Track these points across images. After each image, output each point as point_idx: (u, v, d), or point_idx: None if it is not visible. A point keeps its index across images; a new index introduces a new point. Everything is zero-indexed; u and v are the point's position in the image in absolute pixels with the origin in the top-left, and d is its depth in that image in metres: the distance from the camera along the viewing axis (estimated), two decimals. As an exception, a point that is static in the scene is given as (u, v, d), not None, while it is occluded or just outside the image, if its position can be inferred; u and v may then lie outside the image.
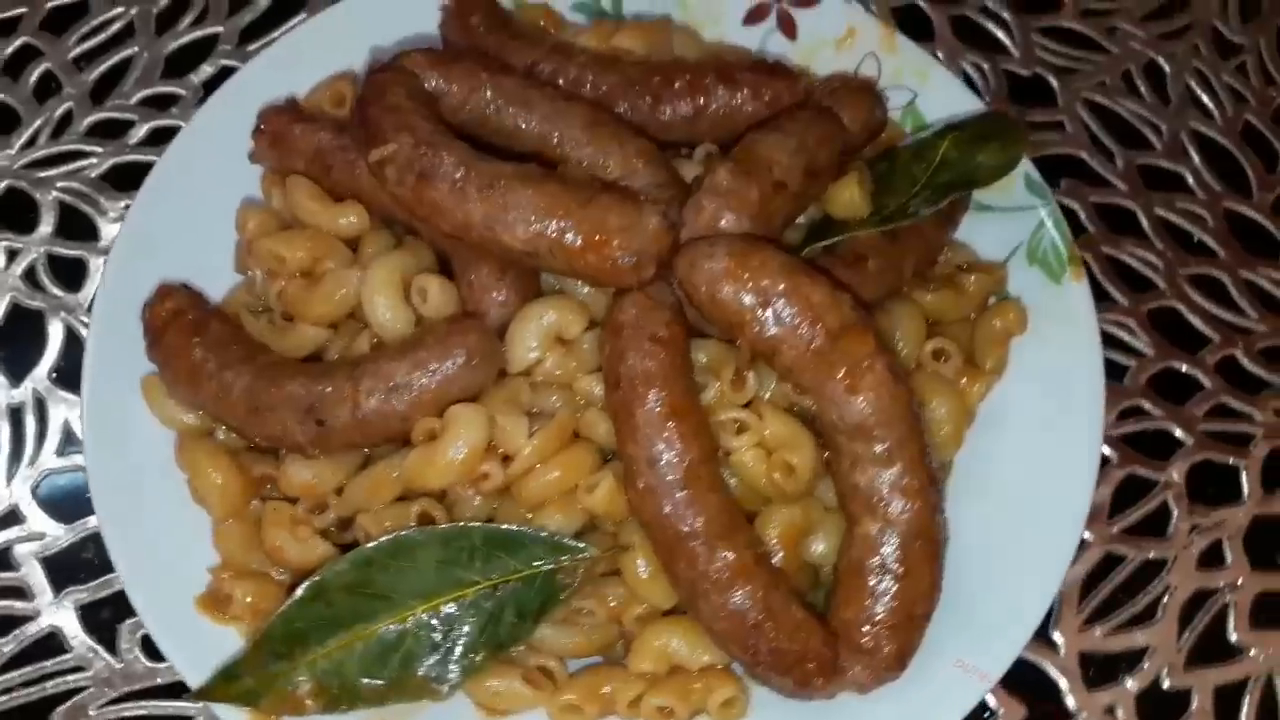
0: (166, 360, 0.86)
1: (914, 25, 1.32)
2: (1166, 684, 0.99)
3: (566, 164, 0.90)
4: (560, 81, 0.97)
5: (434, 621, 0.80)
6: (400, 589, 0.79)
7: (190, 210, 0.97)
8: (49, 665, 0.94)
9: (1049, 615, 0.98)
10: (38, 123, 1.17)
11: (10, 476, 1.02)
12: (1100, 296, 1.16)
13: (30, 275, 1.10)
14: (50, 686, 0.94)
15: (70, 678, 0.94)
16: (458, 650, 0.80)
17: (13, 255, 1.11)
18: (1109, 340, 1.13)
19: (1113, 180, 1.24)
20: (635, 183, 0.88)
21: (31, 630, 0.96)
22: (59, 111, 1.17)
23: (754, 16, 1.13)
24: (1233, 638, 1.01)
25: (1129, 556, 1.04)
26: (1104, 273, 1.18)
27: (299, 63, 1.02)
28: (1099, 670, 0.99)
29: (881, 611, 0.80)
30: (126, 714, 0.93)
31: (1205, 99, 1.30)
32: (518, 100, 0.91)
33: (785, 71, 0.97)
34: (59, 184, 1.15)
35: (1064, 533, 0.89)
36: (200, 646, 0.81)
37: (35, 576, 0.98)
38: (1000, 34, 1.33)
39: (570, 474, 0.83)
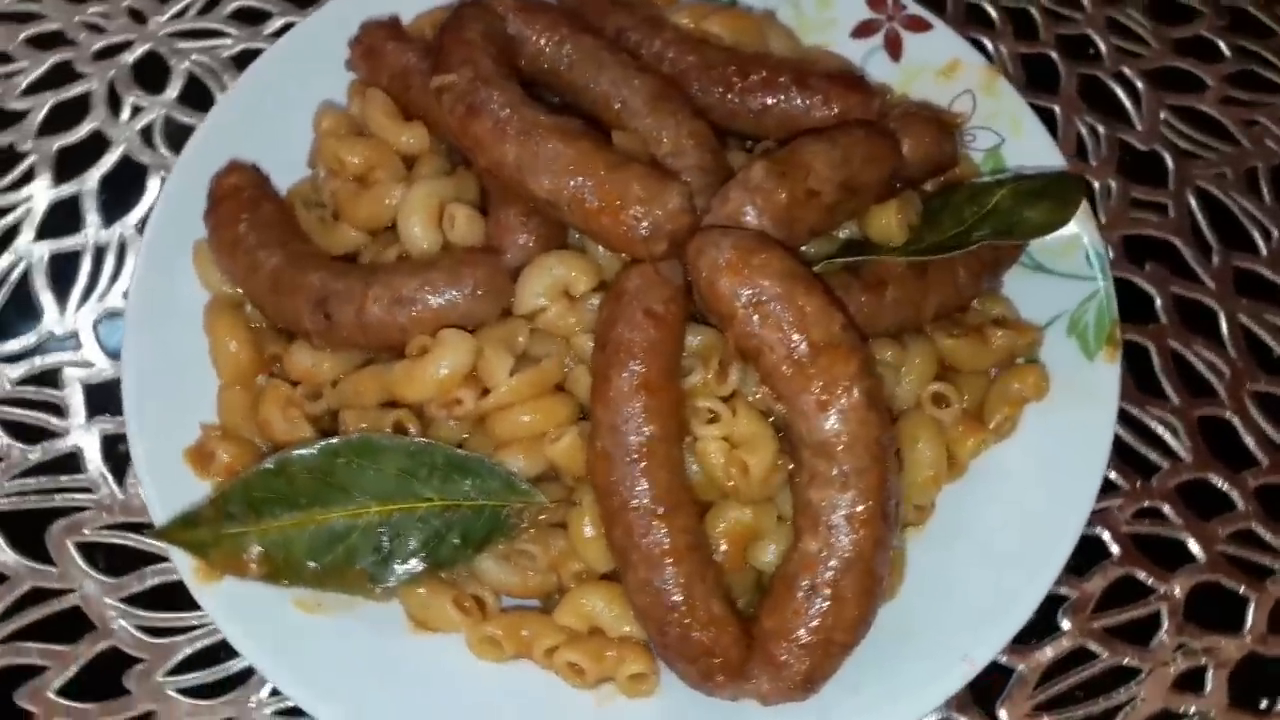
0: (216, 228, 0.93)
1: (1040, 75, 1.29)
2: (1105, 793, 0.95)
3: (622, 130, 0.92)
4: (642, 52, 0.99)
5: (383, 525, 0.84)
6: (359, 486, 0.84)
7: (282, 102, 1.04)
8: (63, 480, 1.03)
9: (1000, 688, 0.97)
10: (190, -1, 1.28)
11: (80, 305, 1.11)
12: (1152, 391, 1.12)
13: (146, 132, 1.20)
14: (58, 499, 1.02)
15: (78, 496, 1.03)
16: (399, 557, 0.84)
17: (136, 111, 1.21)
18: (1148, 436, 1.09)
19: (1202, 275, 1.18)
20: (680, 162, 0.90)
21: (58, 445, 1.05)
22: (211, -8, 1.28)
23: (863, 31, 1.12)
24: (1189, 767, 0.97)
25: (1102, 655, 1.00)
26: (1163, 367, 1.13)
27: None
28: (1037, 760, 0.96)
29: (802, 630, 0.80)
30: (116, 541, 1.01)
31: (1332, 215, 1.23)
32: (591, 60, 0.94)
33: (863, 86, 0.96)
34: (193, 56, 1.24)
35: (1007, 615, 0.86)
36: (176, 494, 0.87)
37: (75, 399, 1.07)
38: (1128, 102, 1.29)
39: (541, 420, 0.85)
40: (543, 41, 0.95)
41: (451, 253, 0.88)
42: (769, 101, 0.96)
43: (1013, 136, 1.07)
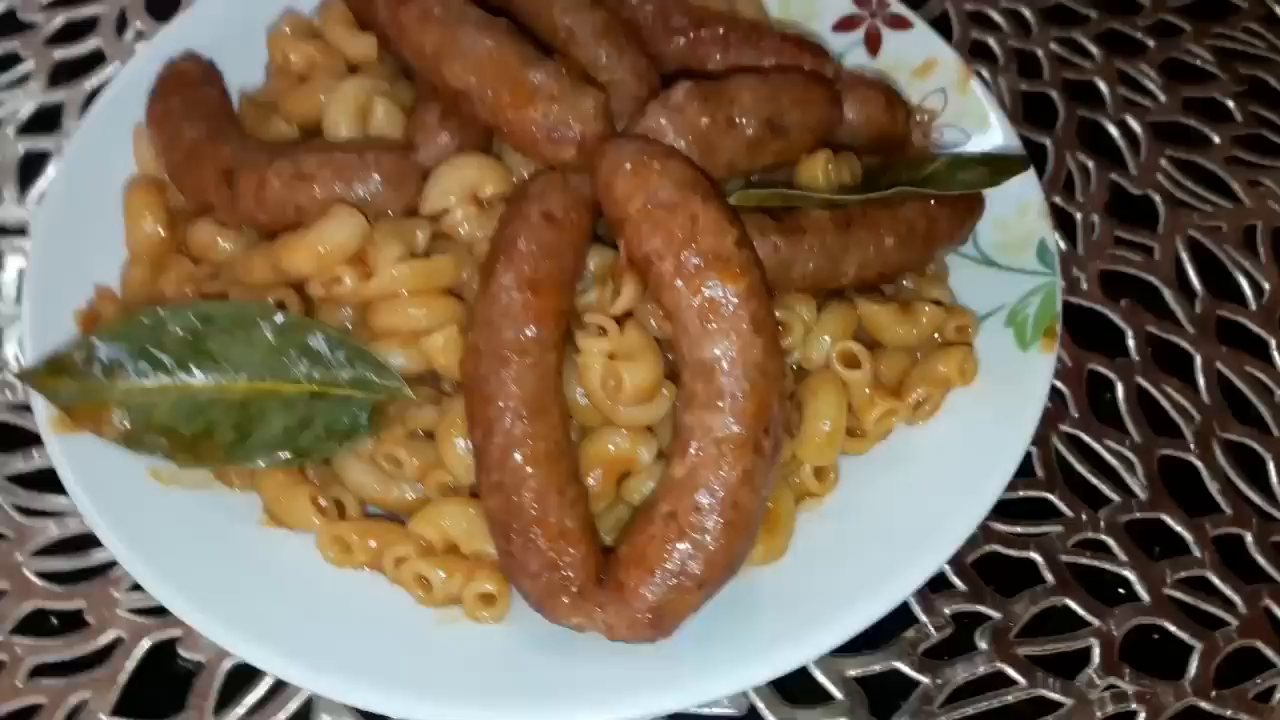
0: (152, 102, 0.93)
1: (1037, 111, 1.26)
2: (996, 835, 0.84)
3: (564, 57, 0.91)
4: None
5: (246, 403, 0.81)
6: (228, 358, 0.81)
7: (249, 14, 1.05)
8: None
9: (901, 700, 0.88)
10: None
11: (39, 201, 1.12)
12: (1114, 424, 1.04)
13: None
14: (-33, 372, 1.02)
15: (-14, 371, 1.02)
16: (258, 439, 0.81)
17: (139, 34, 1.25)
18: (1104, 469, 1.01)
19: (1181, 319, 1.11)
20: (617, 92, 0.89)
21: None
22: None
23: (844, 25, 1.11)
24: (1100, 822, 0.85)
25: (1020, 683, 0.90)
26: (1126, 400, 1.05)
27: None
28: (929, 785, 0.86)
29: (656, 559, 0.73)
30: (15, 421, 0.99)
31: (1331, 279, 1.15)
32: (547, -10, 0.94)
33: (815, 48, 0.95)
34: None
35: (889, 589, 0.78)
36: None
37: (8, 282, 1.07)
38: (1125, 148, 1.24)
39: (424, 317, 0.82)
40: (499, -30, 0.96)
41: (361, 141, 0.87)
42: (718, 54, 0.95)
43: (978, 133, 1.03)
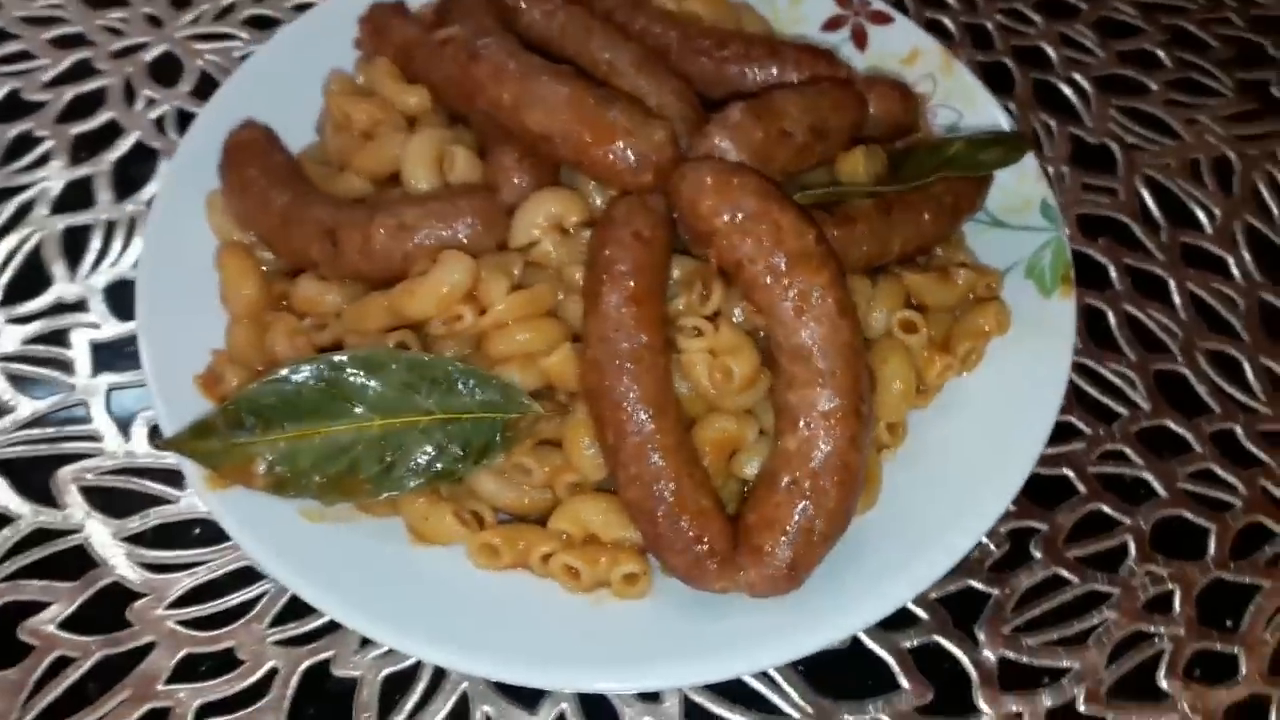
0: (229, 173, 0.99)
1: (996, 79, 1.39)
2: (1082, 708, 0.98)
3: (610, 88, 1.00)
4: (628, 28, 1.08)
5: (385, 437, 0.88)
6: (363, 399, 0.88)
7: (293, 76, 1.11)
8: (70, 430, 1.07)
9: (977, 612, 1.01)
10: (206, 6, 1.37)
11: (90, 273, 1.16)
12: (1110, 347, 1.19)
13: (159, 121, 1.27)
14: (66, 447, 1.06)
15: (84, 444, 1.06)
16: (400, 468, 0.88)
17: (150, 102, 1.29)
18: (1109, 388, 1.16)
19: (1152, 249, 1.27)
20: (664, 114, 0.98)
21: (64, 398, 1.09)
22: (225, 0, 1.37)
23: (831, 25, 1.22)
24: (1161, 684, 1.00)
25: (1074, 582, 1.04)
26: (1119, 326, 1.20)
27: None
28: (1016, 678, 0.99)
29: (784, 521, 0.84)
30: (118, 485, 1.04)
31: (1268, 198, 1.32)
32: (581, 27, 1.03)
33: (830, 56, 1.06)
34: (207, 55, 1.32)
35: (977, 517, 0.91)
36: (186, 416, 0.91)
37: (82, 356, 1.11)
38: (1078, 102, 1.39)
39: (536, 339, 0.91)
40: (536, 12, 1.04)
41: (450, 188, 0.95)
42: (745, 69, 1.05)
43: (968, 111, 1.16)
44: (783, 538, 0.84)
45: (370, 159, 1.01)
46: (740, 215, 0.86)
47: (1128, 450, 1.12)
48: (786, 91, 0.96)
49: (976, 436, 0.96)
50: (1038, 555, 1.05)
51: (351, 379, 0.88)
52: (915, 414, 0.99)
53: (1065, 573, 1.04)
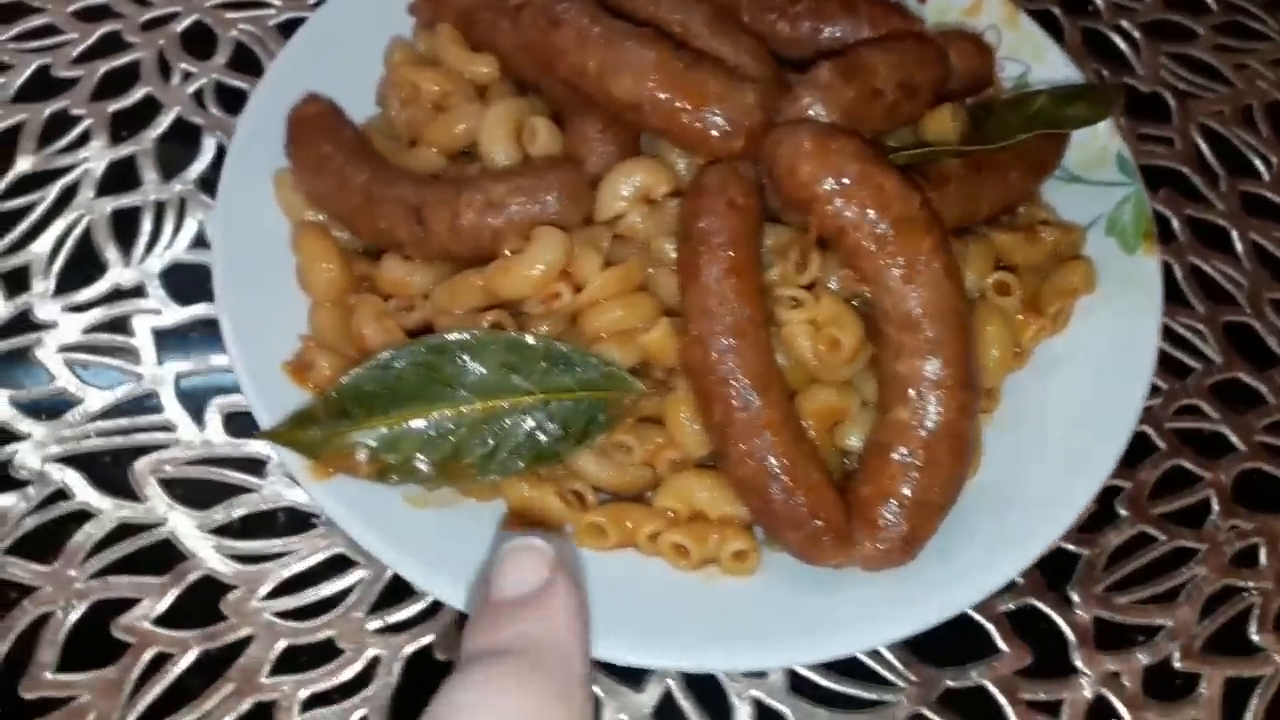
0: (298, 151, 0.96)
1: (1047, 28, 1.37)
2: (1178, 664, 0.99)
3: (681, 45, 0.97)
4: (697, -13, 1.05)
5: (487, 420, 0.87)
6: (464, 382, 0.86)
7: (347, 48, 1.07)
8: (142, 421, 1.05)
9: (1069, 574, 1.01)
10: (235, -29, 1.32)
11: (144, 259, 1.13)
12: (1179, 300, 1.18)
13: (198, 96, 1.23)
14: (140, 438, 1.03)
15: (158, 435, 1.04)
16: (503, 451, 0.87)
17: (187, 76, 1.24)
18: (1180, 342, 1.16)
19: (1212, 199, 1.26)
20: (743, 74, 0.95)
21: (132, 388, 1.06)
22: (255, -35, 1.32)
23: (890, -24, 1.19)
24: (1254, 637, 1.01)
25: (1161, 539, 1.05)
26: (1185, 279, 1.20)
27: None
28: (1111, 637, 1.00)
29: (898, 493, 0.84)
30: (198, 475, 1.02)
31: (1324, 143, 1.31)
32: (653, -10, 1.00)
33: (904, 10, 1.03)
34: (240, 25, 1.28)
35: (1085, 480, 0.91)
36: (278, 404, 0.89)
37: (146, 344, 1.08)
38: (1128, 50, 1.37)
39: (631, 314, 0.89)
40: (605, -26, 1.01)
41: (534, 161, 0.92)
42: (818, 25, 1.02)
43: (1036, 64, 1.14)
44: (898, 509, 0.84)
45: (444, 133, 0.98)
46: (842, 181, 0.85)
47: (1203, 404, 1.12)
48: (872, 48, 0.94)
49: (1073, 399, 0.95)
50: (1123, 513, 1.05)
51: (453, 361, 0.86)
52: (1009, 376, 0.98)
53: (1151, 530, 1.05)
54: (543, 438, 0.87)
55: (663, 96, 0.87)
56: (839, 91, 0.90)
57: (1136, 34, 1.39)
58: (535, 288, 0.87)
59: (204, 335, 1.09)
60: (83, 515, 1.00)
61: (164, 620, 0.95)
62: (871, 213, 0.84)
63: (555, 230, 0.87)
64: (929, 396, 0.84)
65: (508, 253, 0.89)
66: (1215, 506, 1.07)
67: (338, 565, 0.98)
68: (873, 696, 0.95)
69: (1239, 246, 1.23)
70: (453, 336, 0.87)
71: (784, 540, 0.85)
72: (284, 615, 0.97)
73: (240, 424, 1.04)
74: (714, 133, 0.88)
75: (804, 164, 0.85)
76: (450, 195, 0.89)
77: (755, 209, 0.88)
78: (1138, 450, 1.09)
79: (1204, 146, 1.30)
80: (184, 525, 0.99)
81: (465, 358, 0.86)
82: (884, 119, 0.93)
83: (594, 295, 0.88)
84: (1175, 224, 1.24)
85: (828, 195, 0.85)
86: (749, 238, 0.87)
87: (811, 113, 0.89)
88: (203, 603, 0.96)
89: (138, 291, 1.11)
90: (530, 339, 0.87)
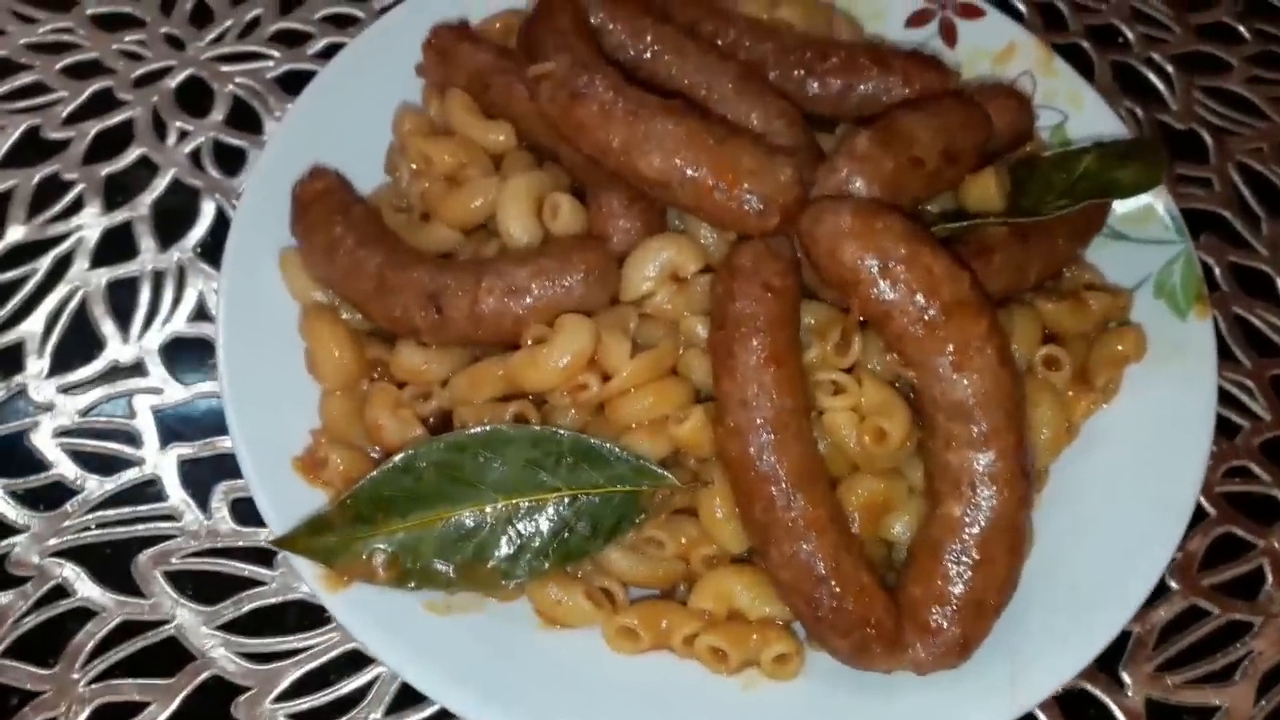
0: (307, 232, 0.91)
1: (1074, 62, 1.32)
2: (1234, 748, 0.95)
3: (710, 116, 0.92)
4: (718, 42, 1.00)
5: (511, 518, 0.82)
6: (486, 480, 0.81)
7: (353, 111, 1.03)
8: (144, 510, 0.99)
9: (1119, 653, 0.97)
10: (229, 22, 1.26)
11: (143, 333, 1.08)
12: (1223, 354, 1.13)
13: (195, 156, 1.18)
14: (142, 529, 0.98)
15: (162, 525, 0.99)
16: (528, 551, 0.82)
17: (183, 135, 1.19)
18: (1226, 398, 1.11)
19: (1254, 244, 1.21)
20: (775, 142, 0.90)
21: (134, 475, 1.01)
22: (249, 15, 1.26)
23: (917, 20, 1.15)
24: (1314, 717, 0.97)
25: (1214, 613, 1.00)
26: (1230, 331, 1.15)
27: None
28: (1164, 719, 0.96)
29: (952, 594, 0.79)
30: (206, 568, 0.97)
31: (1366, 180, 1.27)
32: (674, 49, 0.95)
33: (939, 65, 0.98)
34: (236, 79, 1.22)
35: (1146, 565, 0.86)
36: (289, 504, 0.84)
37: (147, 426, 1.03)
38: (1160, 85, 1.32)
39: (663, 403, 0.84)
40: (625, 32, 0.95)
41: (557, 242, 0.87)
42: (850, 83, 0.97)
43: (1074, 111, 1.09)
44: (952, 612, 0.79)
45: (459, 208, 0.92)
46: (888, 262, 0.80)
47: (1253, 465, 1.08)
48: (911, 113, 0.88)
49: (1126, 475, 0.91)
50: (1174, 585, 1.01)
51: (474, 459, 0.81)
52: (1054, 451, 0.94)
53: (1203, 603, 1.00)
54: (570, 537, 0.83)
55: (693, 174, 0.82)
56: (878, 162, 0.85)
57: (1169, 67, 1.34)
58: (562, 380, 0.82)
59: (207, 413, 1.04)
60: (84, 613, 0.94)
61: (173, 728, 0.90)
62: (920, 296, 0.79)
63: (582, 318, 0.82)
64: (983, 490, 0.79)
65: (530, 341, 0.84)
66: (1269, 576, 1.02)
67: (354, 662, 0.93)
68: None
69: (1283, 293, 1.18)
70: (474, 431, 0.82)
71: (832, 647, 0.80)
72: (298, 718, 0.92)
73: (247, 511, 0.99)
74: (749, 210, 0.83)
75: (846, 245, 0.80)
76: (469, 281, 0.84)
77: (793, 290, 0.83)
78: (1187, 517, 1.04)
79: (1243, 187, 1.25)
80: (191, 622, 0.94)
81: (487, 454, 0.82)
82: (925, 188, 0.88)
83: (623, 385, 0.83)
84: (1218, 272, 1.19)
85: (872, 278, 0.80)
86: (787, 321, 0.83)
87: (850, 186, 0.84)
88: (212, 704, 0.91)
89: (137, 369, 1.06)
90: (555, 433, 0.82)
